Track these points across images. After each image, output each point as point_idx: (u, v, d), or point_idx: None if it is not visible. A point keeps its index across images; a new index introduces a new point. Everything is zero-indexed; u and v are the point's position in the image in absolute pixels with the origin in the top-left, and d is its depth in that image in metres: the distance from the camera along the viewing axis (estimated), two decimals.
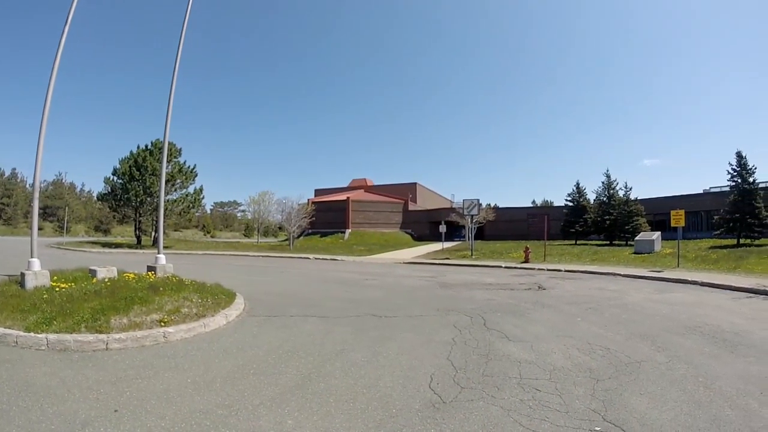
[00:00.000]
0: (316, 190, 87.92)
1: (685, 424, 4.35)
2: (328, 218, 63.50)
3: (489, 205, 64.37)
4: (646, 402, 4.89)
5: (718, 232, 34.08)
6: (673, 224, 21.73)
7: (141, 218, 47.96)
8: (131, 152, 47.04)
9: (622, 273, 19.10)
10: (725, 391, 5.26)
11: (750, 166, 33.51)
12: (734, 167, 33.91)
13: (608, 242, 40.15)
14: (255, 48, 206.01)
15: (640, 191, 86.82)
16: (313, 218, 54.21)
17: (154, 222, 46.04)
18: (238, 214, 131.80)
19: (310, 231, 55.66)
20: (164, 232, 25.35)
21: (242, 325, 8.70)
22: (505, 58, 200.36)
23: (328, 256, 33.03)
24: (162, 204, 15.45)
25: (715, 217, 35.31)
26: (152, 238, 48.45)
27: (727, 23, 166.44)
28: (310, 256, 33.64)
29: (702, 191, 52.56)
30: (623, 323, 9.17)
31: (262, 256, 34.93)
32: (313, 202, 64.06)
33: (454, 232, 56.68)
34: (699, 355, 6.88)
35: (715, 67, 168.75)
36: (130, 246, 44.84)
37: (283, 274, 20.08)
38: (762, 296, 12.79)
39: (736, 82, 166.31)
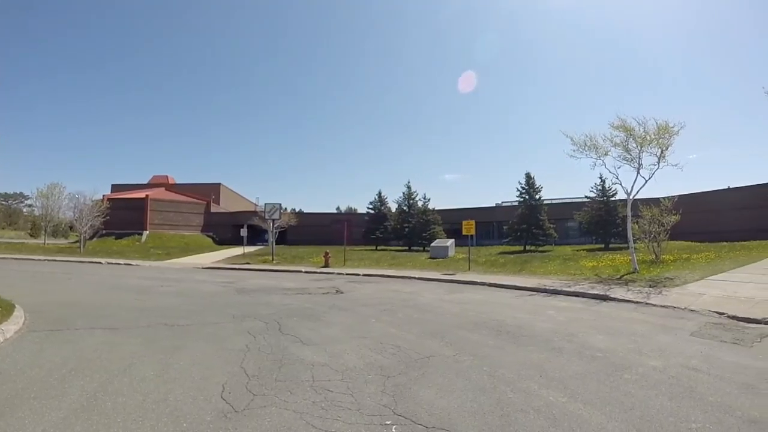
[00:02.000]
0: (113, 186, 78.49)
1: (471, 410, 4.73)
2: (124, 218, 57.48)
3: (294, 209, 64.75)
4: (434, 393, 5.21)
5: (507, 239, 40.06)
6: (464, 233, 23.99)
7: None
8: None
9: (417, 276, 20.40)
10: (508, 377, 5.80)
11: (537, 185, 40.12)
12: (523, 185, 40.22)
13: (407, 248, 43.01)
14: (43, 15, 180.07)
15: (441, 202, 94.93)
16: (108, 217, 48.77)
17: None
18: (24, 209, 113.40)
19: (104, 232, 49.72)
20: None
21: (22, 341, 7.84)
22: (302, 64, 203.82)
23: (122, 261, 31.82)
24: None
25: (505, 227, 40.59)
26: None
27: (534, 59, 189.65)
28: (103, 260, 32.17)
29: (495, 204, 59.18)
30: (415, 322, 9.71)
31: (49, 260, 32.22)
32: (108, 199, 57.35)
33: (257, 236, 55.65)
34: (484, 347, 7.51)
35: (520, 101, 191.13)
36: None
37: (70, 281, 18.45)
38: (542, 294, 14.52)
39: (530, 118, 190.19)
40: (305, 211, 68.22)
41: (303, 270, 24.53)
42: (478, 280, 17.75)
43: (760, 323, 9.28)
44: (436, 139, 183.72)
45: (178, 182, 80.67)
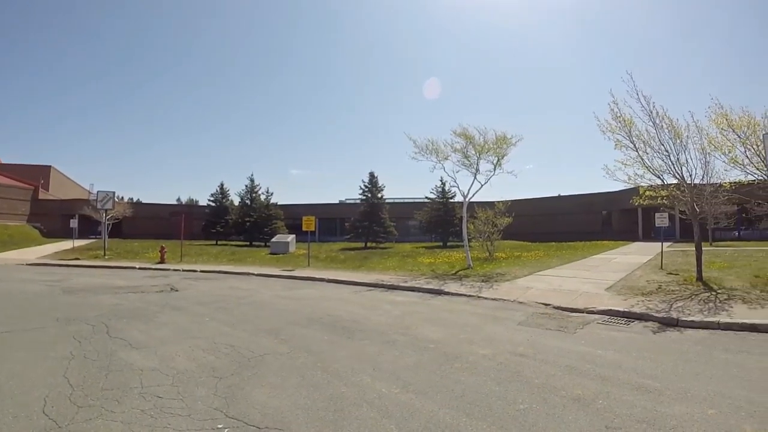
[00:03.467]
0: None
1: (304, 407, 4.71)
2: None
3: (132, 199, 59.71)
4: (267, 392, 5.13)
5: (349, 236, 40.71)
6: (304, 228, 23.76)
7: None
8: None
9: (256, 272, 19.87)
10: (341, 372, 5.80)
11: (380, 184, 41.75)
12: (367, 184, 41.56)
13: (248, 243, 41.97)
14: None
15: (287, 197, 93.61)
16: None
17: None
18: None
19: None
20: None
21: None
22: (166, 49, 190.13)
23: None
24: None
25: (346, 224, 41.42)
26: None
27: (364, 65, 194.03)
28: None
29: (339, 201, 59.98)
30: (251, 320, 9.44)
31: None
32: None
33: (90, 228, 50.29)
34: (319, 342, 7.46)
35: (349, 96, 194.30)
36: None
37: None
38: (379, 289, 14.80)
39: (376, 118, 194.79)
40: (144, 201, 63.34)
41: (137, 266, 22.89)
42: (317, 276, 17.72)
43: (583, 312, 10.20)
44: (284, 131, 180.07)
45: (4, 162, 69.52)
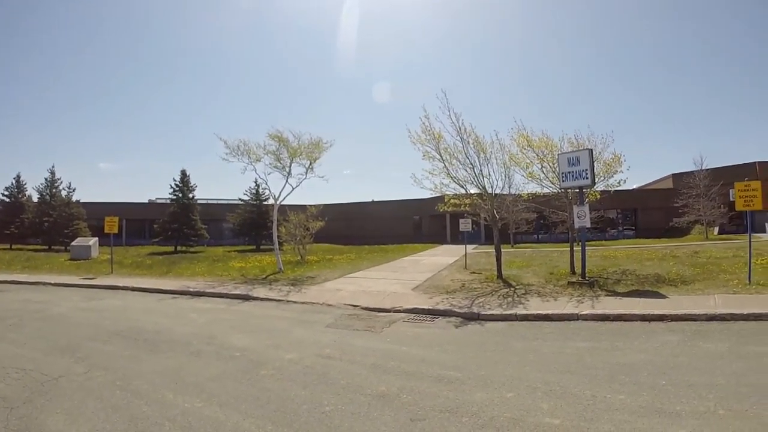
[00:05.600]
0: None
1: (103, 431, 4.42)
2: None
3: None
4: (62, 420, 4.69)
5: (158, 239, 37.55)
6: (106, 230, 21.27)
7: None
8: None
9: (53, 282, 17.75)
10: (143, 390, 5.53)
11: (192, 184, 39.46)
12: (178, 183, 38.97)
13: (47, 247, 36.30)
14: None
15: (95, 195, 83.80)
16: None
17: None
18: None
19: None
20: None
21: None
22: None
23: None
24: None
25: (155, 225, 38.72)
26: None
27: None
28: None
29: (148, 201, 55.56)
30: (45, 337, 8.53)
31: None
32: None
33: None
34: (119, 359, 7.02)
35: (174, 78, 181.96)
36: None
37: None
38: (186, 296, 14.14)
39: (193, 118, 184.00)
40: None
41: None
42: (121, 285, 16.35)
43: (390, 311, 10.73)
44: (91, 119, 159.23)
45: None
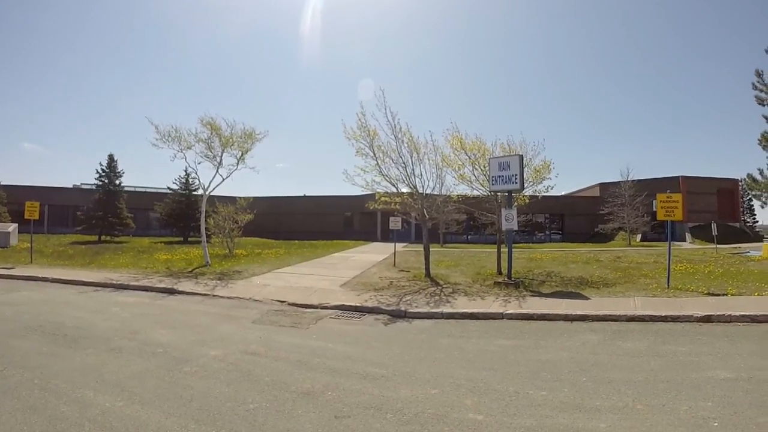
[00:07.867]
0: None
1: None
2: None
3: None
4: None
5: (81, 228, 35.53)
6: (26, 216, 20.08)
7: None
8: None
9: None
10: (61, 388, 5.36)
11: (119, 170, 37.52)
12: (104, 168, 37.02)
13: None
14: None
15: (17, 177, 77.70)
16: None
17: None
18: None
19: None
20: None
21: None
22: None
23: None
24: None
25: (79, 213, 36.84)
26: None
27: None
28: None
29: (72, 186, 52.72)
30: None
31: None
32: None
33: None
34: (37, 355, 6.73)
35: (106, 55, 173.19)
36: None
37: None
38: (109, 289, 13.61)
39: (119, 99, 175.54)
40: None
41: None
42: (41, 276, 15.51)
43: (317, 308, 10.75)
44: (11, 91, 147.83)
45: None
